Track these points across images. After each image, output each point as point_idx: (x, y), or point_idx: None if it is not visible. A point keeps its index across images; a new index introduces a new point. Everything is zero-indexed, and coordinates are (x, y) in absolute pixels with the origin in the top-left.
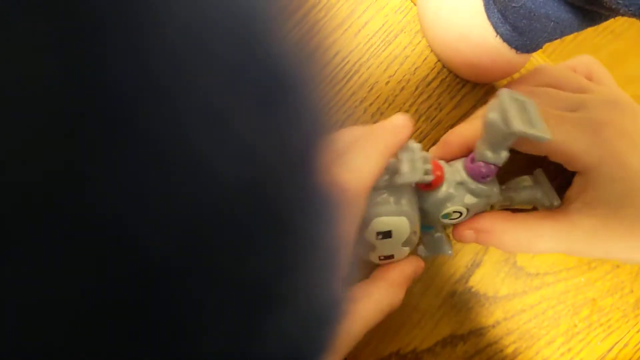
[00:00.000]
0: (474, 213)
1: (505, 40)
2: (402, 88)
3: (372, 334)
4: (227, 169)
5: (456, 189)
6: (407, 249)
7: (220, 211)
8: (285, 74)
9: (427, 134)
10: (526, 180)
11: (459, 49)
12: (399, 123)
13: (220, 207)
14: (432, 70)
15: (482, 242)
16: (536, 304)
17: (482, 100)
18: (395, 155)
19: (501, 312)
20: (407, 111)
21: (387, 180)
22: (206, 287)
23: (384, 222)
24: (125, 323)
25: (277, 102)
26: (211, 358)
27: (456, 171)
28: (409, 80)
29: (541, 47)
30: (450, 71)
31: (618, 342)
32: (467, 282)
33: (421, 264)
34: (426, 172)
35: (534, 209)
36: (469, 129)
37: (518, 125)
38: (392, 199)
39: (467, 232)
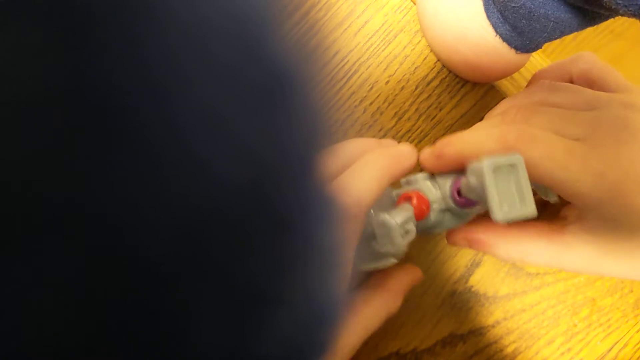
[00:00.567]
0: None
1: (504, 40)
2: (402, 87)
3: (372, 334)
4: (226, 170)
5: (443, 216)
6: (394, 260)
7: (219, 212)
8: (285, 74)
9: (427, 133)
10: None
11: (458, 48)
12: (404, 151)
13: (219, 208)
14: (431, 69)
15: (475, 249)
16: (536, 304)
17: (482, 100)
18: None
19: (501, 311)
20: (406, 110)
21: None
22: (203, 288)
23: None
24: (121, 323)
25: (276, 102)
26: (207, 357)
27: (442, 199)
28: (408, 79)
29: (541, 47)
30: (449, 71)
31: (618, 341)
32: (467, 281)
33: (419, 273)
34: (406, 232)
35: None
36: (466, 146)
37: (499, 214)
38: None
39: (460, 240)
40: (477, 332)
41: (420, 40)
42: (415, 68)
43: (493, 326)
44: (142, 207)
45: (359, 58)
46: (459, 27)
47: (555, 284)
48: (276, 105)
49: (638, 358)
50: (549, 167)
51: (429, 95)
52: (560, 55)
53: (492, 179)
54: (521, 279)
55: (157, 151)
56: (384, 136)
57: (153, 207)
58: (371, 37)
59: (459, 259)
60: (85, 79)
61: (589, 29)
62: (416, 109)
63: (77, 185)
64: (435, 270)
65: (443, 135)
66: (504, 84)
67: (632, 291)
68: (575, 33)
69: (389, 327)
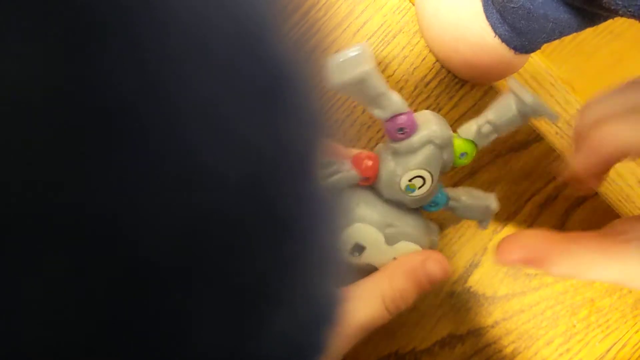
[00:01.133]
0: (438, 170)
1: (503, 40)
2: (401, 88)
3: (371, 334)
4: (226, 169)
5: (392, 162)
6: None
7: (219, 211)
8: (284, 73)
9: None
10: (503, 98)
11: (457, 49)
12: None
13: (219, 207)
14: (430, 70)
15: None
16: (535, 305)
17: (481, 101)
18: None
19: (500, 312)
20: None
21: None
22: (203, 287)
23: (352, 235)
24: (121, 323)
25: (275, 101)
26: (206, 357)
27: (384, 147)
28: (407, 80)
29: (540, 48)
30: (448, 71)
31: (616, 342)
32: (465, 282)
33: (438, 257)
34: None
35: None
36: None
37: (333, 80)
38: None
39: (513, 257)
40: (476, 333)
41: (418, 41)
42: (414, 69)
43: (492, 327)
44: (142, 206)
45: None
46: (458, 28)
47: (554, 285)
48: (276, 105)
49: (637, 358)
50: None
51: (428, 96)
52: (559, 56)
53: (331, 64)
54: (520, 280)
55: (157, 150)
56: (383, 137)
57: (153, 206)
58: (370, 38)
59: (458, 259)
60: (85, 79)
61: (589, 30)
62: (415, 110)
63: (77, 185)
64: None
65: None
66: (503, 85)
67: (630, 292)
68: (575, 34)
69: (387, 328)
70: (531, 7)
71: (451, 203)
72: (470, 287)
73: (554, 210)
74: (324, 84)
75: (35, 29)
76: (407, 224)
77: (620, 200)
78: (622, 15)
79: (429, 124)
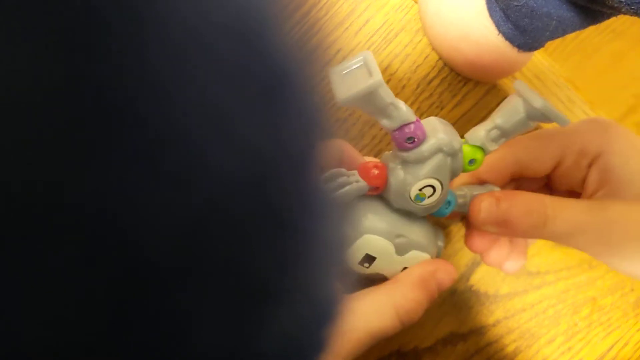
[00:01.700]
0: (448, 178)
1: (507, 38)
2: (403, 86)
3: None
4: (227, 168)
5: (403, 170)
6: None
7: (220, 210)
8: (286, 72)
9: None
10: (511, 101)
11: (460, 47)
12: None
13: (220, 205)
14: (433, 68)
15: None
16: (537, 303)
17: (483, 99)
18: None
19: (502, 310)
20: None
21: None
22: (204, 287)
23: (356, 249)
24: (121, 323)
25: (277, 99)
26: (207, 356)
27: (392, 156)
28: (410, 78)
29: (543, 46)
30: (451, 69)
31: (618, 340)
32: (467, 280)
33: (448, 267)
34: (338, 188)
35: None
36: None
37: (339, 97)
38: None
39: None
40: (478, 331)
41: (421, 39)
42: (417, 67)
43: (494, 325)
44: (143, 206)
45: None
46: (461, 26)
47: (556, 283)
48: (277, 104)
49: (638, 357)
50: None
51: (431, 94)
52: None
53: (333, 76)
54: (522, 278)
55: (157, 150)
56: (385, 136)
57: (153, 206)
58: (372, 36)
59: (460, 257)
60: (85, 77)
61: (591, 28)
62: (417, 108)
63: (77, 185)
64: None
65: None
66: (506, 83)
67: (632, 290)
68: (577, 32)
69: None
70: (534, 5)
71: (460, 200)
72: (472, 285)
73: None
74: (331, 97)
75: (36, 28)
76: (416, 232)
77: None
78: (624, 13)
79: (437, 132)
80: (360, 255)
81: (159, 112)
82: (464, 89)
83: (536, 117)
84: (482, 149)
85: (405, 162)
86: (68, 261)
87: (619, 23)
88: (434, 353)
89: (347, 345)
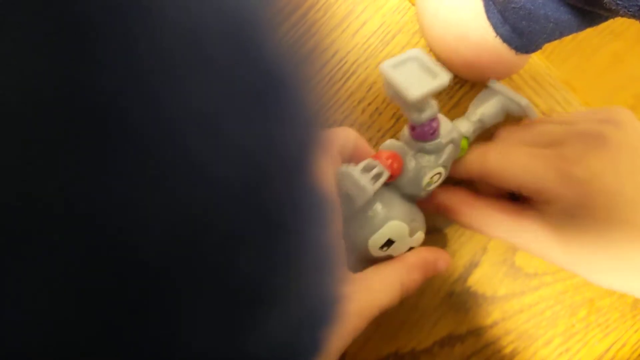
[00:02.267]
0: (450, 165)
1: (505, 40)
2: None
3: (371, 333)
4: (219, 171)
5: (419, 160)
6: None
7: (212, 213)
8: (279, 76)
9: None
10: (485, 95)
11: (458, 49)
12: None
13: (212, 209)
14: None
15: (441, 215)
16: (534, 304)
17: None
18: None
19: (499, 312)
20: None
21: (347, 208)
22: (197, 289)
23: (380, 235)
24: (113, 323)
25: (270, 104)
26: (200, 358)
27: (407, 146)
28: None
29: (540, 48)
30: (448, 71)
31: (616, 342)
32: (465, 282)
33: (444, 255)
34: (375, 178)
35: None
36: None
37: (411, 93)
38: (369, 214)
39: (430, 206)
40: (476, 333)
41: (418, 41)
42: None
43: (491, 327)
44: (137, 209)
45: (358, 59)
46: (459, 28)
47: (553, 285)
48: (270, 106)
49: (636, 358)
50: (513, 172)
51: None
52: (559, 55)
53: (392, 73)
54: (519, 280)
55: (150, 153)
56: (382, 137)
57: (148, 209)
58: (369, 38)
59: (458, 259)
60: (78, 81)
61: (589, 30)
62: None
63: (73, 187)
64: None
65: None
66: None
67: None
68: (574, 34)
69: (387, 328)
70: (532, 7)
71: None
72: (470, 287)
73: None
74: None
75: (28, 32)
76: (420, 215)
77: None
78: (622, 16)
79: (446, 125)
80: (383, 240)
81: (152, 117)
82: (461, 90)
83: (515, 112)
84: (468, 139)
85: (421, 151)
86: (66, 263)
87: (618, 24)
88: (431, 354)
89: (365, 321)
